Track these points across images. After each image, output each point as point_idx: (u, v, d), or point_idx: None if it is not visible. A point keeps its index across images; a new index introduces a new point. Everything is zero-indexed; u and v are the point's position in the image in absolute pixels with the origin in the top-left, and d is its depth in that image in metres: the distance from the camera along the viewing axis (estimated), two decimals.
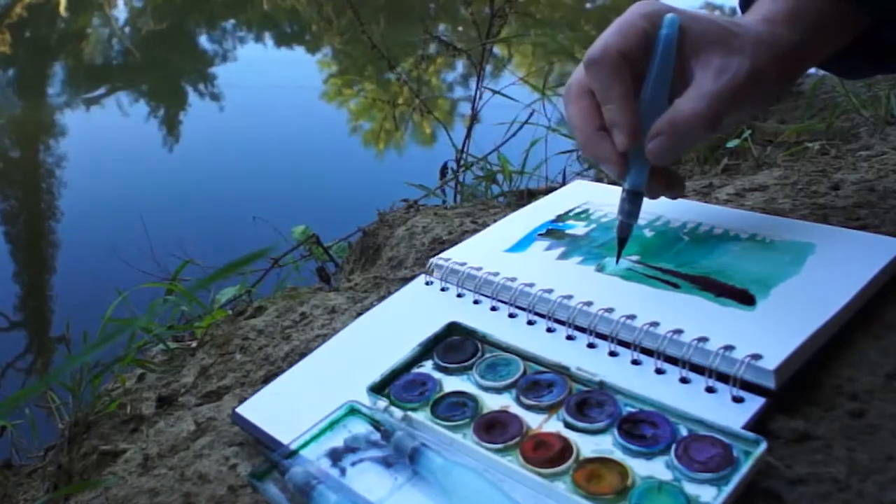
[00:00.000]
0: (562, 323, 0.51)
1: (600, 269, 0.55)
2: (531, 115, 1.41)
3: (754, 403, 0.41)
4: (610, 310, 0.49)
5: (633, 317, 0.48)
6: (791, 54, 0.51)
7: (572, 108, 0.53)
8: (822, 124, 1.05)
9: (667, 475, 0.38)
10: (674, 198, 0.57)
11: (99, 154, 2.86)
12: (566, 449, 0.40)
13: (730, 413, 0.41)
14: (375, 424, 0.45)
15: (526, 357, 0.48)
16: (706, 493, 0.37)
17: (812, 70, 0.64)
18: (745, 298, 0.48)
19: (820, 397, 0.42)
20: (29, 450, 0.82)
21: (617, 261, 0.54)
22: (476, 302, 0.56)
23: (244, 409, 0.51)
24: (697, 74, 0.49)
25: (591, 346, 0.49)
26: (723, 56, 0.48)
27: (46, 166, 2.95)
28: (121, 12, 5.37)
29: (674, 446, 0.39)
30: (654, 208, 0.62)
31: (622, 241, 0.54)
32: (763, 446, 0.38)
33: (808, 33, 0.51)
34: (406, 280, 0.66)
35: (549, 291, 0.52)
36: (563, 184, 1.09)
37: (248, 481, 0.44)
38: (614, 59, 0.49)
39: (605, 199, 0.66)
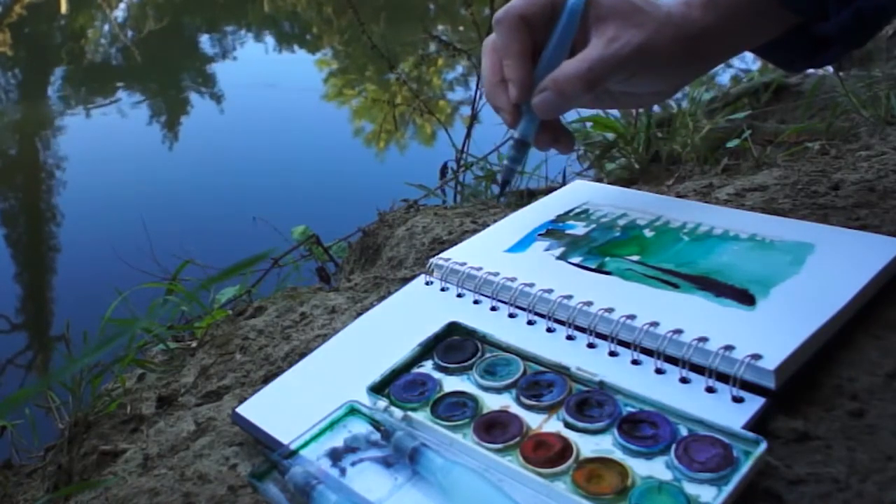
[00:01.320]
0: (562, 323, 0.51)
1: (601, 269, 0.55)
2: None
3: (754, 403, 0.41)
4: (610, 310, 0.49)
5: (633, 317, 0.48)
6: (700, 37, 0.54)
7: (484, 60, 0.58)
8: (822, 124, 1.05)
9: (667, 475, 0.38)
10: (563, 153, 0.61)
11: (99, 154, 2.86)
12: (566, 449, 0.40)
13: (730, 413, 0.41)
14: (375, 424, 0.45)
15: (526, 357, 0.48)
16: (706, 493, 0.37)
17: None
18: (745, 298, 0.48)
19: (820, 397, 0.42)
20: (29, 450, 0.82)
21: (498, 199, 0.62)
22: (476, 302, 0.56)
23: (244, 409, 0.51)
24: (591, 41, 0.53)
25: (591, 346, 0.49)
26: (619, 28, 0.52)
27: (46, 166, 2.95)
28: (121, 12, 5.37)
29: (674, 446, 0.39)
30: (654, 208, 0.62)
31: (505, 184, 0.60)
32: (763, 446, 0.38)
33: (724, 19, 0.54)
34: (406, 280, 0.66)
35: (549, 291, 0.52)
36: (563, 184, 1.09)
37: (248, 481, 0.44)
38: (514, 21, 0.54)
39: (605, 199, 0.66)
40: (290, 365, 0.56)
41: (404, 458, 0.42)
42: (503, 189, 0.61)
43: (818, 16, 0.54)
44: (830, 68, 1.25)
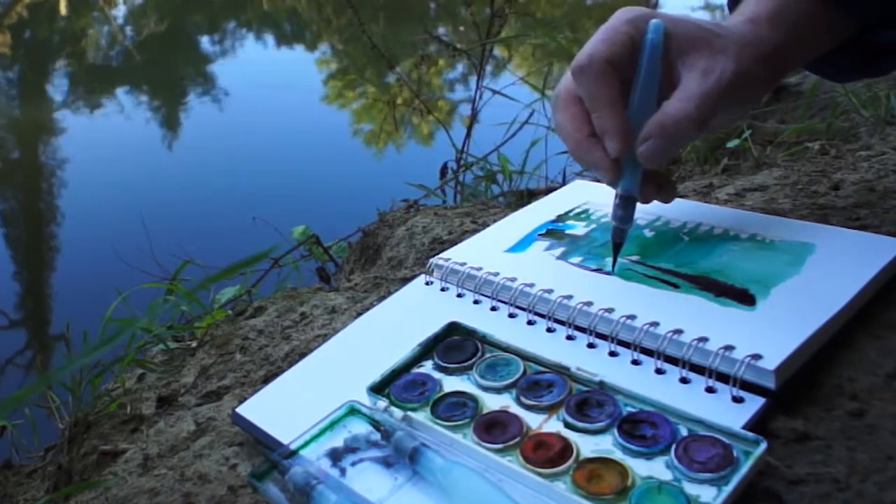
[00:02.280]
0: (562, 323, 0.51)
1: (600, 269, 0.55)
2: (531, 115, 1.41)
3: (754, 403, 0.41)
4: (610, 310, 0.49)
5: (633, 317, 0.48)
6: (774, 54, 0.51)
7: (562, 115, 0.53)
8: (822, 124, 1.05)
9: (667, 475, 0.38)
10: (666, 201, 0.57)
11: (99, 154, 2.86)
12: (566, 449, 0.40)
13: (730, 413, 0.41)
14: (375, 424, 0.45)
15: (526, 357, 0.48)
16: (706, 493, 0.37)
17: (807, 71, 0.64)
18: (745, 298, 0.48)
19: (820, 397, 0.42)
20: (29, 450, 0.82)
21: (613, 266, 0.54)
22: (476, 302, 0.56)
23: (244, 409, 0.51)
24: (684, 76, 0.50)
25: (591, 346, 0.49)
26: (707, 57, 0.49)
27: (46, 166, 2.95)
28: (121, 12, 5.37)
29: (674, 446, 0.39)
30: (654, 208, 0.62)
31: (617, 247, 0.54)
32: (763, 446, 0.38)
33: (791, 34, 0.52)
34: (406, 280, 0.66)
35: (549, 291, 0.52)
36: (563, 184, 1.09)
37: (248, 481, 0.44)
38: (601, 67, 0.49)
39: (605, 199, 0.66)
40: (290, 365, 0.56)
41: (404, 458, 0.42)
42: (616, 253, 0.54)
43: (881, 22, 0.53)
44: None
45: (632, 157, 0.51)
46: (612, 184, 0.53)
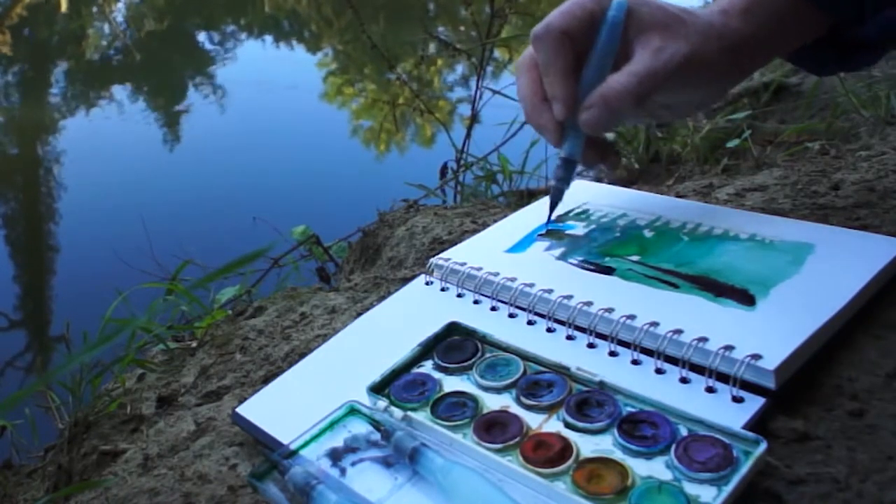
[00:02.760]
0: (562, 323, 0.51)
1: (600, 269, 0.55)
2: None
3: (754, 403, 0.41)
4: (610, 310, 0.49)
5: (633, 317, 0.48)
6: (742, 46, 0.53)
7: (521, 78, 0.56)
8: (822, 124, 1.05)
9: (667, 475, 0.38)
10: (611, 169, 0.61)
11: (99, 154, 2.86)
12: (566, 449, 0.40)
13: (730, 413, 0.41)
14: (375, 424, 0.45)
15: (526, 357, 0.48)
16: (706, 493, 0.37)
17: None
18: (744, 298, 0.48)
19: (820, 397, 0.42)
20: (29, 450, 0.83)
21: (547, 221, 0.59)
22: (476, 302, 0.56)
23: (244, 409, 0.51)
24: (636, 53, 0.52)
25: (591, 346, 0.49)
26: (663, 39, 0.51)
27: (46, 166, 2.95)
28: (121, 12, 5.37)
29: (674, 446, 0.39)
30: (654, 208, 0.62)
31: (553, 205, 0.59)
32: (763, 446, 0.38)
33: (762, 27, 0.53)
34: (406, 280, 0.66)
35: (549, 291, 0.52)
36: None
37: (248, 481, 0.44)
38: (556, 36, 0.52)
39: (605, 199, 0.66)
40: (290, 365, 0.56)
41: (404, 458, 0.42)
42: (552, 210, 0.59)
43: (855, 19, 0.54)
44: None
45: (575, 124, 0.54)
46: (557, 146, 0.56)
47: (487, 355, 0.49)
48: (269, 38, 4.82)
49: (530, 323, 0.52)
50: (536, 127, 0.56)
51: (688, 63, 0.51)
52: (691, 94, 0.56)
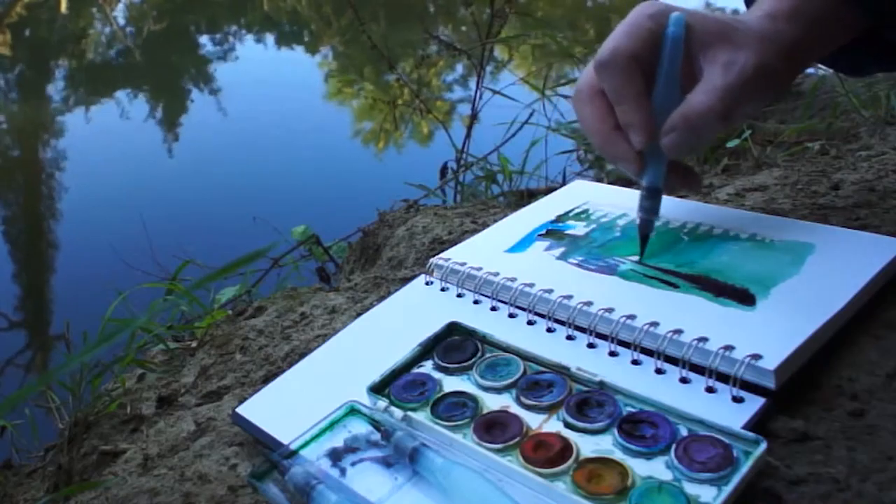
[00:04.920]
0: (562, 323, 0.51)
1: (600, 269, 0.55)
2: (531, 115, 1.41)
3: (754, 403, 0.41)
4: (610, 310, 0.49)
5: (633, 317, 0.48)
6: (793, 49, 0.52)
7: (586, 109, 0.54)
8: (822, 124, 1.05)
9: (667, 475, 0.38)
10: (693, 192, 0.58)
11: (99, 154, 2.86)
12: (566, 449, 0.40)
13: (730, 413, 0.41)
14: (375, 424, 0.45)
15: (526, 357, 0.48)
16: (706, 493, 0.37)
17: (811, 70, 0.64)
18: (745, 298, 0.48)
19: (820, 397, 0.42)
20: (29, 450, 0.82)
21: (640, 257, 0.55)
22: (476, 302, 0.56)
23: (244, 409, 0.51)
24: (706, 70, 0.50)
25: (591, 346, 0.49)
26: (729, 51, 0.50)
27: (46, 166, 2.95)
28: (121, 12, 5.37)
29: (674, 446, 0.39)
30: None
31: (645, 238, 0.55)
32: (763, 446, 0.38)
33: (808, 30, 0.52)
34: (406, 280, 0.66)
35: (549, 291, 0.52)
36: (563, 184, 1.09)
37: (248, 481, 0.44)
38: (624, 61, 0.50)
39: (605, 199, 0.66)
40: (290, 365, 0.56)
41: (404, 458, 0.42)
42: (644, 244, 0.55)
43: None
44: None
45: (656, 150, 0.52)
46: (638, 176, 0.54)
47: (487, 355, 0.49)
48: (269, 38, 4.82)
49: (530, 323, 0.52)
50: (612, 158, 0.54)
51: (760, 72, 0.50)
52: (758, 102, 0.54)
